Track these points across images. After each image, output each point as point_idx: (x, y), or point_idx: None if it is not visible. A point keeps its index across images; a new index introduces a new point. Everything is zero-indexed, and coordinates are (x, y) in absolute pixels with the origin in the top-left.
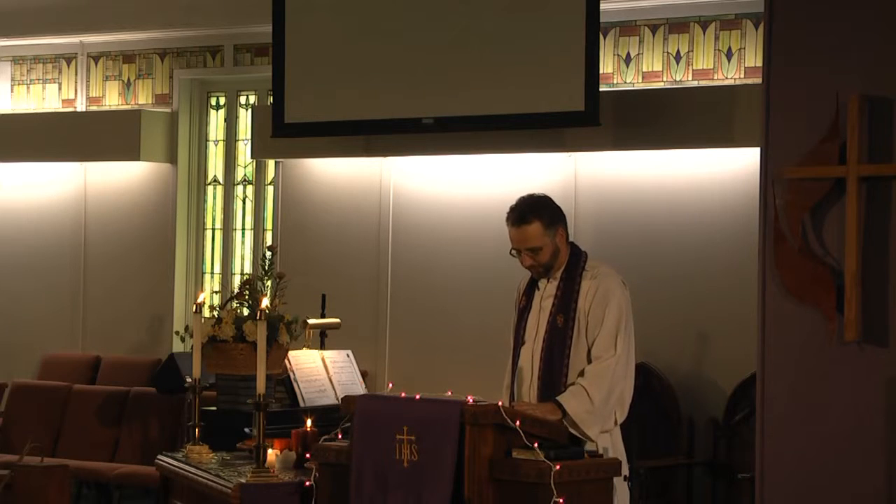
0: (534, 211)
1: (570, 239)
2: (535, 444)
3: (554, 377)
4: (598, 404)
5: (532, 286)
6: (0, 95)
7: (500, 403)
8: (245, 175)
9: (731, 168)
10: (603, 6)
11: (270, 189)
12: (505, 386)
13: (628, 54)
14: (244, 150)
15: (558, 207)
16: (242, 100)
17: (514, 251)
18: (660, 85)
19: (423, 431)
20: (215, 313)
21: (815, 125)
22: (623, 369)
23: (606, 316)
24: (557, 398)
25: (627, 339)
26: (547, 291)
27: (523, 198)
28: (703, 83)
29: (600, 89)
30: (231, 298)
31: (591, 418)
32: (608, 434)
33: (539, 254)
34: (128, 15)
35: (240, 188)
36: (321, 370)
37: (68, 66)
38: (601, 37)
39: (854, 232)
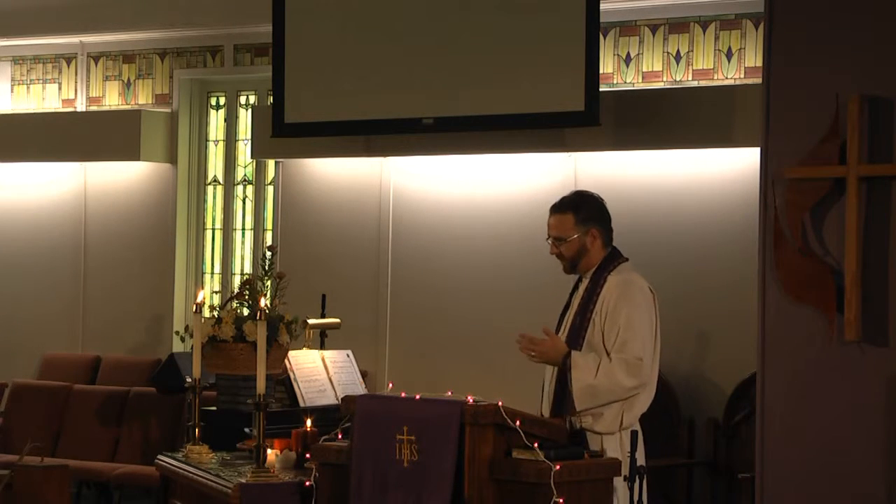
0: (571, 203)
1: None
2: (535, 444)
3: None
4: (598, 386)
5: (576, 285)
6: (0, 95)
7: (500, 403)
8: (245, 175)
9: (731, 168)
10: (603, 6)
11: (270, 189)
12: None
13: (628, 54)
14: (244, 150)
15: (600, 210)
16: (242, 100)
17: (548, 239)
18: (660, 85)
19: (423, 431)
20: (215, 313)
21: (815, 125)
22: (643, 377)
23: (629, 315)
24: (573, 352)
25: (652, 348)
26: (580, 291)
27: (577, 191)
28: (703, 83)
29: (600, 89)
30: (231, 298)
31: (583, 388)
32: (617, 437)
33: (563, 245)
34: (128, 15)
35: (240, 188)
36: (321, 370)
37: (68, 66)
38: (601, 37)
39: (854, 232)
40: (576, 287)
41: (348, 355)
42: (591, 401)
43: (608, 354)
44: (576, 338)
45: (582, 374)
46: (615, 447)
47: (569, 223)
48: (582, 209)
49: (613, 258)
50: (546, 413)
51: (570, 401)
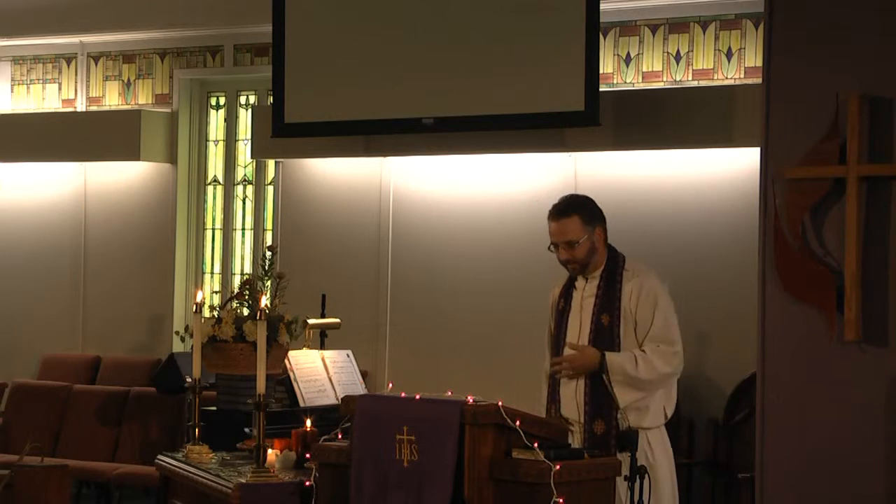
0: (574, 206)
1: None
2: (535, 444)
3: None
4: (640, 377)
5: (569, 288)
6: (0, 95)
7: (500, 403)
8: (245, 175)
9: (731, 168)
10: (603, 6)
11: (270, 189)
12: (544, 393)
13: (628, 54)
14: (244, 150)
15: (599, 209)
16: (242, 100)
17: (552, 246)
18: (660, 85)
19: (423, 431)
20: (215, 313)
21: (815, 125)
22: (679, 365)
23: (657, 312)
24: (608, 354)
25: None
26: (587, 291)
27: (566, 195)
28: (703, 83)
29: (600, 89)
30: (231, 298)
31: (625, 381)
32: (658, 430)
33: (576, 248)
34: (128, 15)
35: (240, 188)
36: (321, 370)
37: (68, 66)
38: (601, 37)
39: (854, 232)
40: (571, 287)
41: (348, 355)
42: (634, 393)
43: (640, 346)
44: (609, 337)
45: (623, 370)
46: (660, 439)
47: (577, 225)
48: (584, 209)
49: (616, 254)
50: (580, 419)
51: (613, 398)
